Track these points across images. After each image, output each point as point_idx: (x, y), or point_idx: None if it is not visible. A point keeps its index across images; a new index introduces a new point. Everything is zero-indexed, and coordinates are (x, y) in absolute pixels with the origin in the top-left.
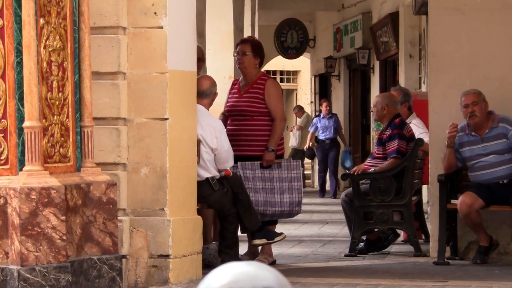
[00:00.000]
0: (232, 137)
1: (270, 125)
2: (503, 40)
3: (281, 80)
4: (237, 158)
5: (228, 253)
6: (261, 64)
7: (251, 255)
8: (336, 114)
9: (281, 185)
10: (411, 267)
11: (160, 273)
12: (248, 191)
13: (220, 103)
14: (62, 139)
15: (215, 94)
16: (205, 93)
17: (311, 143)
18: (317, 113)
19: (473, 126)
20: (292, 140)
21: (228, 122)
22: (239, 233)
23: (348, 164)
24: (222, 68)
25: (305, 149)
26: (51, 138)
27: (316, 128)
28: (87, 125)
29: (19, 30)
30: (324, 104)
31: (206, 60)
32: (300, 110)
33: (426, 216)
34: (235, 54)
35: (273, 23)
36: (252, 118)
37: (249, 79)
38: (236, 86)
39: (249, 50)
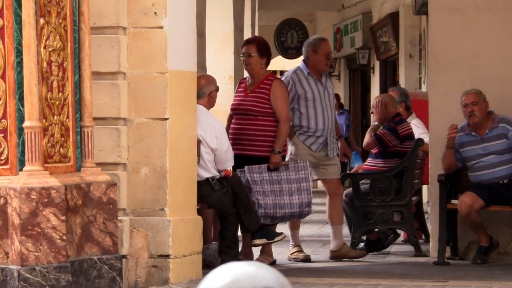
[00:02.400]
0: (236, 135)
1: (275, 126)
2: (503, 40)
3: None
4: (240, 158)
5: (228, 253)
6: (268, 63)
7: (244, 255)
8: (347, 110)
9: (290, 186)
10: (411, 267)
11: (160, 273)
12: (256, 194)
13: (221, 103)
14: (62, 139)
15: (213, 93)
16: (197, 94)
17: None
18: None
19: (472, 126)
20: None
21: (233, 121)
22: (239, 233)
23: (357, 165)
24: (222, 68)
25: None
26: (51, 138)
27: None
28: (87, 125)
29: (19, 30)
30: None
31: (206, 60)
32: None
33: (426, 216)
34: (241, 56)
35: (273, 23)
36: (256, 118)
37: (256, 79)
38: (243, 85)
39: (254, 51)
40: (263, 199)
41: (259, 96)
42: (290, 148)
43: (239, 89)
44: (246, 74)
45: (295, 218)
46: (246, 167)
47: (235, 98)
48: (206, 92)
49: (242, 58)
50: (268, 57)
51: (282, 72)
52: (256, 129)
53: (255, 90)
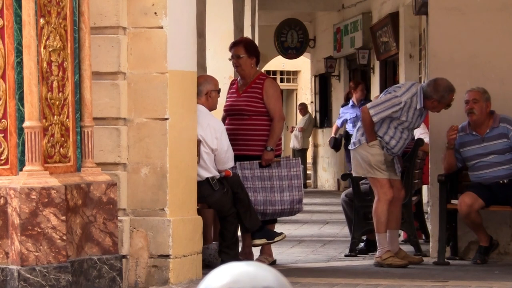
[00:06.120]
0: (230, 136)
1: (268, 125)
2: (503, 40)
3: (281, 80)
4: (235, 158)
5: (228, 253)
6: (258, 62)
7: (244, 255)
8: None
9: (281, 183)
10: (411, 267)
11: (160, 273)
12: (247, 190)
13: (220, 103)
14: (62, 139)
15: (212, 93)
16: None
17: (337, 135)
18: (317, 112)
19: (472, 124)
20: (294, 142)
21: (226, 122)
22: (239, 233)
23: None
24: (222, 68)
25: (329, 141)
26: (51, 138)
27: (344, 120)
28: (87, 125)
29: (19, 30)
30: (360, 87)
31: (206, 60)
32: (303, 107)
33: (426, 216)
34: (230, 58)
35: (273, 23)
36: (250, 117)
37: (247, 79)
38: (235, 85)
39: (243, 52)
40: (254, 195)
41: (252, 95)
42: (373, 150)
43: (231, 90)
44: None
45: (286, 216)
46: (237, 163)
47: (228, 99)
48: (203, 90)
49: (231, 60)
50: (257, 57)
51: (282, 72)
52: (251, 129)
53: (248, 90)
